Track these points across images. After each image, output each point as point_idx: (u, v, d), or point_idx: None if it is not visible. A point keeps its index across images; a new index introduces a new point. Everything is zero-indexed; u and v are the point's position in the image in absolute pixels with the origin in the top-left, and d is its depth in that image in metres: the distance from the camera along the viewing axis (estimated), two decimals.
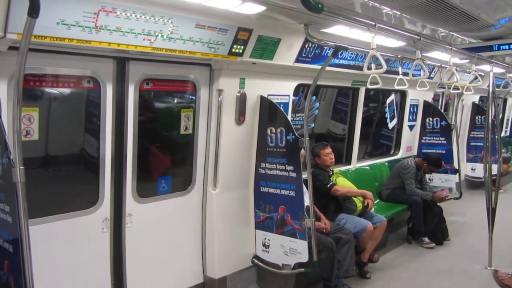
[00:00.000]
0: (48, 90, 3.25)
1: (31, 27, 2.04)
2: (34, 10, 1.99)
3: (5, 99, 2.80)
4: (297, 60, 4.38)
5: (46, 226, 3.14)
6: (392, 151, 7.50)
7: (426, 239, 6.01)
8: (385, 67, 3.71)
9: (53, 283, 3.18)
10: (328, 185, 4.91)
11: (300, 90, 5.32)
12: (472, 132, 9.51)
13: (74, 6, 2.66)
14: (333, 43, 4.05)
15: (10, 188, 2.18)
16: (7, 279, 2.39)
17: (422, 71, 4.67)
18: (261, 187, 4.42)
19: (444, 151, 7.11)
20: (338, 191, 4.95)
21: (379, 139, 7.64)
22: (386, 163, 6.94)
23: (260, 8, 3.15)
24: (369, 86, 4.60)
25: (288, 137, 4.18)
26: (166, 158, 4.20)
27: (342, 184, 5.09)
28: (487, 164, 5.50)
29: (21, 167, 2.13)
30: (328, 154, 5.02)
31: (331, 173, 5.14)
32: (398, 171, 6.31)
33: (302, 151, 4.14)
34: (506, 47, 5.78)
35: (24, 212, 2.13)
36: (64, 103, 3.47)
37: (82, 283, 3.42)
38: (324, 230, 4.48)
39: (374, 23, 3.57)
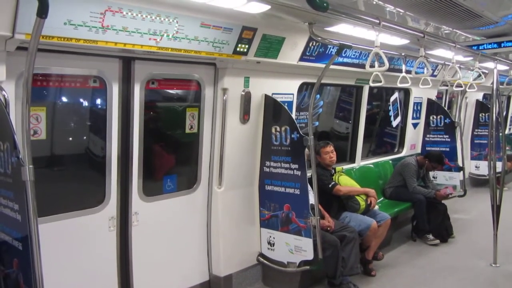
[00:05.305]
0: (55, 89, 3.27)
1: (40, 27, 2.06)
2: (43, 11, 2.01)
3: (13, 99, 2.82)
4: (301, 59, 4.39)
5: (54, 225, 3.17)
6: (396, 149, 7.50)
7: (431, 236, 6.01)
8: (387, 65, 3.72)
9: (61, 281, 3.20)
10: (330, 185, 4.89)
11: (304, 89, 5.33)
12: (476, 130, 9.49)
13: (81, 6, 2.69)
14: (337, 42, 4.06)
15: (20, 187, 2.20)
16: (17, 277, 2.42)
17: (425, 68, 4.67)
18: (266, 186, 4.44)
19: (448, 149, 7.09)
20: (340, 191, 4.93)
21: (383, 137, 7.64)
22: (390, 161, 6.94)
23: (264, 7, 3.16)
24: (372, 84, 4.61)
25: (292, 136, 4.20)
26: (171, 157, 4.22)
27: (345, 183, 5.07)
28: (492, 162, 5.49)
29: (30, 166, 2.14)
30: (328, 152, 4.97)
31: (333, 171, 5.13)
32: (400, 169, 6.31)
33: (306, 150, 4.16)
34: (510, 44, 5.78)
35: (33, 211, 2.15)
36: (70, 102, 3.50)
37: (90, 281, 3.45)
38: (328, 228, 4.49)
39: (378, 21, 3.58)
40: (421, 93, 7.23)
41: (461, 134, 7.98)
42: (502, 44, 5.77)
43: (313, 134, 4.18)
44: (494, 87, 5.56)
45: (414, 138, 7.52)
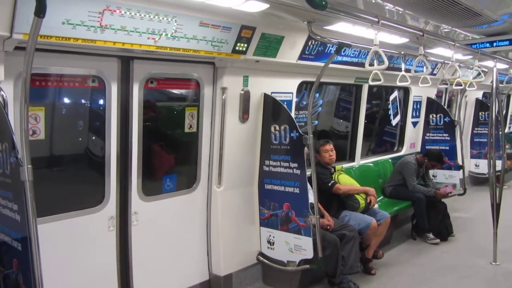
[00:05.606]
0: (54, 89, 3.26)
1: (38, 27, 2.05)
2: (41, 10, 2.00)
3: (12, 99, 2.82)
4: (300, 58, 4.39)
5: (54, 225, 3.16)
6: (395, 148, 7.50)
7: (431, 235, 6.01)
8: (387, 63, 3.72)
9: (61, 281, 3.20)
10: (330, 184, 4.89)
11: (303, 88, 5.33)
12: (476, 128, 9.49)
13: (79, 6, 2.68)
14: (336, 40, 4.06)
15: (18, 187, 2.20)
16: (16, 277, 2.42)
17: (425, 67, 4.66)
18: (266, 185, 4.44)
19: (447, 148, 7.09)
20: (339, 190, 4.92)
21: (383, 136, 7.64)
22: (390, 160, 6.94)
23: (263, 6, 3.15)
24: (371, 83, 4.60)
25: (292, 135, 4.19)
26: (170, 156, 4.21)
27: (345, 182, 5.07)
28: (491, 160, 5.50)
29: (29, 166, 2.14)
30: (327, 151, 4.96)
31: (333, 170, 5.12)
32: (400, 168, 6.31)
33: (305, 149, 4.16)
34: (502, 43, 5.79)
35: (32, 211, 2.15)
36: (69, 102, 3.50)
37: (89, 281, 3.44)
38: (328, 227, 4.49)
39: (377, 20, 3.58)
40: (421, 92, 7.23)
41: (460, 133, 7.99)
42: (495, 44, 5.78)
43: (312, 133, 4.18)
44: (494, 85, 5.55)
45: (413, 137, 7.52)
